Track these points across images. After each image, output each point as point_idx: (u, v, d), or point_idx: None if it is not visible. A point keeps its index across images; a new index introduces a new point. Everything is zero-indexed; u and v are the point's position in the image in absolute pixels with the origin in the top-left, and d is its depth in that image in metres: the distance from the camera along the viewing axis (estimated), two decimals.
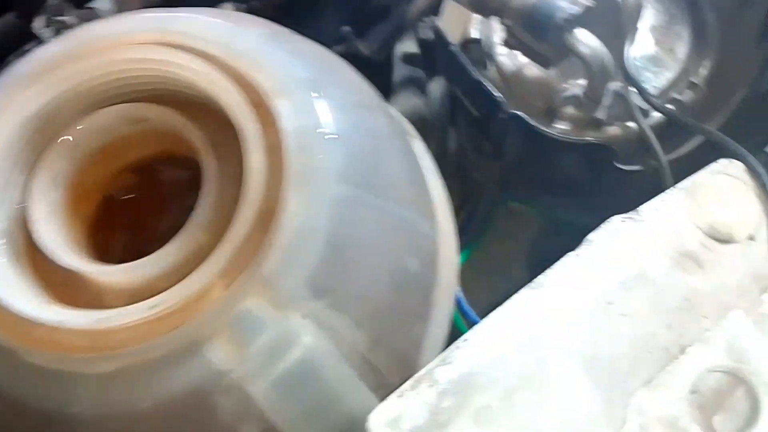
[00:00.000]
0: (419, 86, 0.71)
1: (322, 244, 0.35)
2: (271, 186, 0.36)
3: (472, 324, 0.57)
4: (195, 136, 0.38)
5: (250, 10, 0.65)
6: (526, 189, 0.63)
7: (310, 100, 0.38)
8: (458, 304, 0.57)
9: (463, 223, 0.68)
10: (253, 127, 0.37)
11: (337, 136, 0.38)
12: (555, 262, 0.42)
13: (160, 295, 0.35)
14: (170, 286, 0.35)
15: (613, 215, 0.43)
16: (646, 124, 0.52)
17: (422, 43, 0.66)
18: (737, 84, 0.53)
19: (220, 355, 0.33)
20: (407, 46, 0.73)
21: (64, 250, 0.37)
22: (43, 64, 0.40)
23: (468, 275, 0.64)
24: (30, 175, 0.40)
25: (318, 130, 0.37)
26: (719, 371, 0.36)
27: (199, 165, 0.38)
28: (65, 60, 0.39)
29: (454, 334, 0.54)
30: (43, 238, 0.37)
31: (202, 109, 0.40)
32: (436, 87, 0.66)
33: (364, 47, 0.67)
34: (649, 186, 0.62)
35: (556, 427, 0.36)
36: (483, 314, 0.63)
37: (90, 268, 0.38)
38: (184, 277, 0.35)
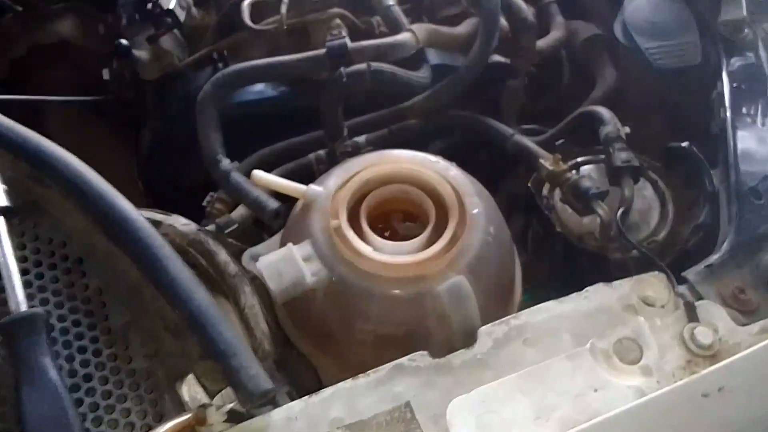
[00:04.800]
0: None
1: (476, 250, 0.87)
2: (458, 229, 0.88)
3: None
4: (425, 202, 0.92)
5: None
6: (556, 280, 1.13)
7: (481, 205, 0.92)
8: None
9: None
10: (455, 207, 0.90)
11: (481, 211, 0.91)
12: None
13: (415, 255, 0.86)
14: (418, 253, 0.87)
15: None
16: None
17: None
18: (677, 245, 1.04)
19: (432, 282, 0.84)
20: None
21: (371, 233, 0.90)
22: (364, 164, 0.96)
23: None
24: (353, 207, 0.94)
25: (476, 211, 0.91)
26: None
27: (423, 216, 0.92)
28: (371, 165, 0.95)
29: None
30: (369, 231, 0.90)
31: (429, 193, 0.94)
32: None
33: None
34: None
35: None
36: None
37: (387, 245, 0.90)
38: (423, 250, 0.87)
